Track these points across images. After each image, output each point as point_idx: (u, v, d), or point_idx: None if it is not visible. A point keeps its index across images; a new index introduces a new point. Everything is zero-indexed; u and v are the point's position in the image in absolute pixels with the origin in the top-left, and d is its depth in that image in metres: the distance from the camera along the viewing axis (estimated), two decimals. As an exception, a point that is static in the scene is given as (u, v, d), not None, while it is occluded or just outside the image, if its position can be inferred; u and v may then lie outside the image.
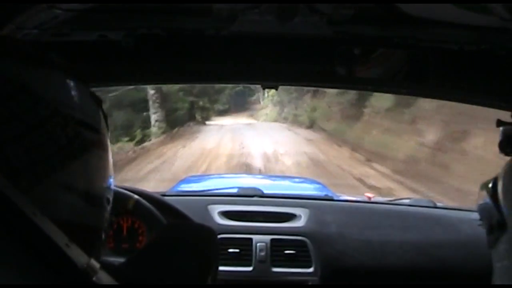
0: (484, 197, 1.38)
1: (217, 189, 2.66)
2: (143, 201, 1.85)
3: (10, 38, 0.69)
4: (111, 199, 0.72)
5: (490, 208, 1.35)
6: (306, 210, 2.14)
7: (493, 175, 1.36)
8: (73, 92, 0.66)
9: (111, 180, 0.72)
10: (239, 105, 33.61)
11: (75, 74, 0.69)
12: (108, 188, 0.70)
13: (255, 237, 2.01)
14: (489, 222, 1.38)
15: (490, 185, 1.37)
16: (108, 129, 0.72)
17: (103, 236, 0.71)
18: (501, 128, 1.43)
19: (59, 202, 0.60)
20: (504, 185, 1.31)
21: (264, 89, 1.70)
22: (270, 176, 6.19)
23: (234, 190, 2.48)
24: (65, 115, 0.62)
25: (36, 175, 0.58)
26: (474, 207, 1.53)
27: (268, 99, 30.83)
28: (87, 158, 0.64)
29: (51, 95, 0.62)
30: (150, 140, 16.76)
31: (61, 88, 0.65)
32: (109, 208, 0.71)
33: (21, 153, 0.57)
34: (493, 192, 1.35)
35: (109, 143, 0.71)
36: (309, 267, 1.97)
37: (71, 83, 0.66)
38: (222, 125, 23.94)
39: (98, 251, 0.69)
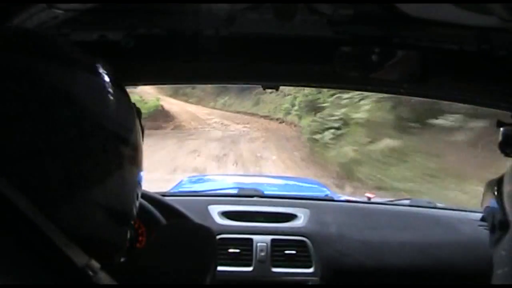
0: (490, 200, 1.37)
1: (217, 189, 2.67)
2: (143, 201, 1.85)
3: (54, 38, 0.65)
4: (136, 211, 0.71)
5: (495, 210, 1.35)
6: (306, 211, 2.14)
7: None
8: (116, 103, 0.64)
9: (141, 189, 0.71)
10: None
11: (119, 83, 0.67)
12: (136, 199, 0.70)
13: (255, 237, 2.01)
14: (492, 221, 1.38)
15: (496, 187, 1.36)
16: (143, 141, 0.71)
17: (125, 247, 0.71)
18: (501, 129, 1.43)
19: (88, 218, 0.60)
20: (509, 184, 1.31)
21: (264, 89, 1.70)
22: (270, 176, 6.19)
23: (234, 191, 2.48)
24: (106, 129, 0.61)
25: (70, 190, 0.57)
26: (474, 208, 1.53)
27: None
28: (120, 175, 0.63)
29: (95, 106, 0.60)
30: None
31: (105, 98, 0.63)
32: (134, 219, 0.71)
33: (58, 166, 0.56)
34: (498, 194, 1.35)
35: (142, 156, 0.70)
36: (309, 267, 1.97)
37: (115, 93, 0.65)
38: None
39: (117, 259, 0.69)
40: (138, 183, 0.70)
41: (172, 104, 21.12)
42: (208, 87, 22.46)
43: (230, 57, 1.43)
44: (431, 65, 1.30)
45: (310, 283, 1.96)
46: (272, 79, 1.58)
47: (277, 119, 17.18)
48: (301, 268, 1.97)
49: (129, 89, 0.76)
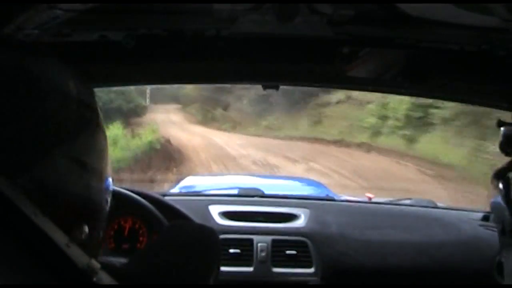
0: (496, 195, 1.36)
1: (217, 190, 2.67)
2: (144, 201, 1.85)
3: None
4: (110, 183, 0.73)
5: (503, 209, 1.34)
6: (307, 211, 2.14)
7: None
8: (71, 76, 0.68)
9: (109, 164, 0.73)
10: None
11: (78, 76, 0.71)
12: (107, 170, 0.71)
13: (255, 238, 2.01)
14: (501, 223, 1.37)
15: (501, 185, 1.35)
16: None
17: (104, 215, 0.71)
18: (501, 129, 1.43)
19: (66, 173, 0.62)
20: None
21: (264, 89, 1.70)
22: (271, 176, 6.19)
23: (235, 191, 2.49)
24: (65, 93, 0.64)
25: (44, 147, 0.59)
26: (475, 207, 1.53)
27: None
28: (90, 134, 0.67)
29: (51, 76, 0.64)
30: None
31: (59, 72, 0.67)
32: (108, 190, 0.72)
33: (27, 128, 0.58)
34: (506, 192, 1.34)
35: (106, 131, 0.73)
36: (310, 267, 1.97)
37: (69, 70, 0.69)
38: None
39: (101, 228, 0.70)
40: (107, 150, 0.72)
41: (192, 135, 16.78)
42: (247, 107, 19.47)
43: (230, 57, 1.43)
44: (431, 65, 1.30)
45: (310, 283, 1.96)
46: (272, 79, 1.58)
47: (358, 145, 12.17)
48: (301, 268, 1.97)
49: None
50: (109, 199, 0.72)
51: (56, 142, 0.61)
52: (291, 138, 15.00)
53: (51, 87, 0.63)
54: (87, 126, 0.67)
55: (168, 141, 14.52)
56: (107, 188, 0.71)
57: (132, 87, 13.60)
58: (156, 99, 23.32)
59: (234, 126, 19.27)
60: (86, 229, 0.62)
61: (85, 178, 0.65)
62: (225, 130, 18.77)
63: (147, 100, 23.64)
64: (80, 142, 0.64)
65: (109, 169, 0.72)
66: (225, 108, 20.13)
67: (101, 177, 0.69)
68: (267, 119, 17.49)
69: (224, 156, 13.21)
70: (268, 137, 15.96)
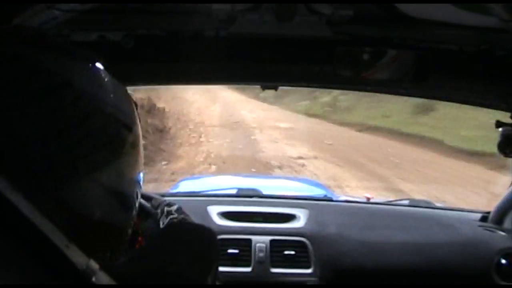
0: None
1: (216, 190, 2.66)
2: (143, 201, 1.85)
3: (51, 34, 0.68)
4: (138, 200, 0.72)
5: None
6: (306, 211, 2.14)
7: None
8: (114, 91, 0.66)
9: (141, 180, 0.72)
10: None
11: (114, 73, 0.70)
12: (138, 187, 0.71)
13: (254, 238, 2.01)
14: None
15: None
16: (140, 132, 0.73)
17: (127, 237, 0.71)
18: (500, 129, 1.43)
19: (93, 200, 0.61)
20: None
21: (263, 89, 1.70)
22: (269, 177, 6.19)
23: (234, 191, 2.48)
24: (105, 113, 0.62)
25: (74, 171, 0.58)
26: (473, 208, 1.53)
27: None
28: (124, 158, 0.65)
29: (94, 92, 0.62)
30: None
31: (103, 85, 0.65)
32: (135, 209, 0.72)
33: (62, 149, 0.57)
34: None
35: (141, 144, 0.71)
36: (308, 267, 1.97)
37: (113, 83, 0.67)
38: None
39: (121, 250, 0.70)
40: (138, 182, 0.71)
41: (213, 102, 12.94)
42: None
43: (230, 57, 1.43)
44: (431, 65, 1.30)
45: (309, 284, 1.96)
46: (272, 79, 1.58)
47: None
48: (300, 268, 1.97)
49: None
50: (138, 200, 0.72)
51: (87, 166, 0.59)
52: (371, 129, 8.81)
53: (93, 107, 0.61)
54: (121, 150, 0.64)
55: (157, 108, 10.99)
56: (135, 215, 0.71)
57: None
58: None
59: (280, 96, 13.93)
60: (108, 255, 0.61)
61: (113, 205, 0.64)
62: (264, 100, 14.64)
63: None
64: (111, 168, 0.63)
65: (139, 195, 0.71)
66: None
67: (129, 204, 0.69)
68: (330, 92, 10.91)
69: (248, 160, 7.71)
70: (330, 121, 10.03)
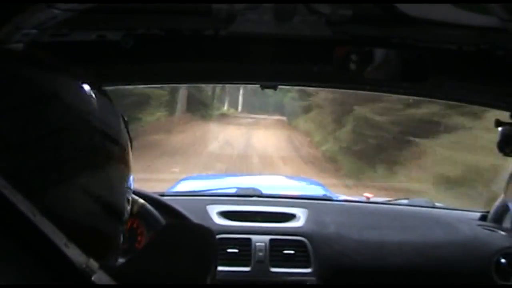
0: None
1: (216, 189, 2.66)
2: (142, 201, 1.85)
3: (38, 48, 0.71)
4: (127, 214, 0.73)
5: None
6: (305, 210, 2.14)
7: None
8: (100, 104, 0.67)
9: (131, 193, 0.73)
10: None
11: (104, 91, 0.71)
12: (127, 201, 0.72)
13: (253, 237, 2.01)
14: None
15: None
16: (132, 150, 0.74)
17: (118, 246, 0.72)
18: (499, 128, 1.43)
19: (77, 205, 0.61)
20: None
21: (263, 89, 1.70)
22: (269, 176, 6.19)
23: (233, 190, 2.48)
24: (91, 124, 0.64)
25: (58, 176, 0.59)
26: (473, 207, 1.53)
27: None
28: (107, 169, 0.66)
29: (81, 105, 0.64)
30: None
31: (88, 99, 0.66)
32: (125, 219, 0.72)
33: (44, 153, 0.58)
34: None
35: (131, 160, 0.73)
36: (308, 267, 1.97)
37: (99, 97, 0.68)
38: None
39: (111, 258, 0.70)
40: (128, 180, 0.72)
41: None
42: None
43: (229, 57, 1.43)
44: (430, 65, 1.30)
45: (308, 283, 1.96)
46: (271, 79, 1.58)
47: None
48: (299, 268, 1.97)
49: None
50: (127, 213, 0.73)
51: (70, 172, 0.60)
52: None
53: (77, 116, 0.62)
54: (106, 160, 0.66)
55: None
56: (123, 222, 0.71)
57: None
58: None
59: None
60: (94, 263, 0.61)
61: (98, 212, 0.65)
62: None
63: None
64: (95, 176, 0.64)
65: (127, 204, 0.72)
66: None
67: (116, 212, 0.69)
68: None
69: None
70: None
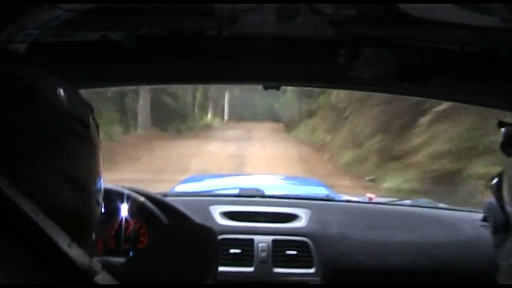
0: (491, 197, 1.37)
1: (218, 190, 2.67)
2: (145, 201, 1.85)
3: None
4: (100, 199, 0.73)
5: (495, 208, 1.35)
6: (308, 211, 2.14)
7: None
8: (66, 91, 0.68)
9: (101, 181, 0.73)
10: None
11: (69, 77, 0.72)
12: (98, 187, 0.72)
13: (256, 238, 2.01)
14: (494, 222, 1.37)
15: (494, 181, 1.36)
16: (98, 137, 0.75)
17: (92, 231, 0.71)
18: (502, 129, 1.43)
19: (49, 185, 0.62)
20: (509, 183, 1.31)
21: (265, 89, 1.70)
22: (271, 176, 6.18)
23: (236, 191, 2.48)
24: (57, 107, 0.65)
25: (29, 155, 0.60)
26: (475, 207, 1.53)
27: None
28: (77, 148, 0.67)
29: (46, 90, 0.65)
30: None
31: (55, 87, 0.67)
32: (99, 206, 0.72)
33: (13, 136, 0.59)
34: (496, 190, 1.35)
35: (100, 146, 0.74)
36: (311, 267, 1.97)
37: (64, 85, 0.69)
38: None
39: (89, 244, 0.69)
40: (98, 165, 0.73)
41: None
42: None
43: (231, 57, 1.43)
44: (431, 65, 1.30)
45: (311, 284, 1.96)
46: (273, 80, 1.58)
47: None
48: (302, 268, 1.97)
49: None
50: (100, 198, 0.73)
51: (40, 150, 0.61)
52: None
53: (41, 96, 0.64)
54: (76, 140, 0.67)
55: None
56: (96, 203, 0.72)
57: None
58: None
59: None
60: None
61: (70, 192, 0.65)
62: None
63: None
64: (66, 155, 0.65)
65: (100, 187, 0.73)
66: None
67: (89, 193, 0.69)
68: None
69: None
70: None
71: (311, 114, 15.29)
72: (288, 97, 16.23)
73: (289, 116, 17.63)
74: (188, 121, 17.15)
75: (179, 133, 14.59)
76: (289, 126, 17.21)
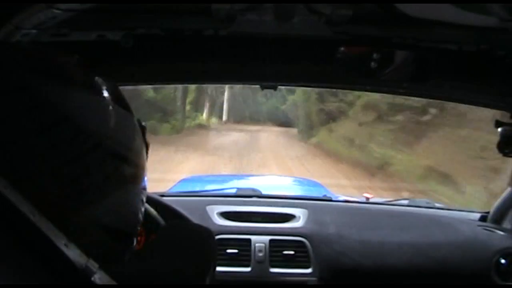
0: None
1: (215, 190, 2.66)
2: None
3: (54, 56, 0.67)
4: (137, 234, 0.72)
5: None
6: (305, 211, 2.14)
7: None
8: (116, 121, 0.65)
9: (142, 210, 0.72)
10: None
11: (121, 98, 0.68)
12: (138, 222, 0.70)
13: (253, 238, 2.00)
14: None
15: None
16: (147, 157, 0.72)
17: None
18: (499, 129, 1.43)
19: (86, 236, 0.60)
20: None
21: (263, 89, 1.70)
22: (269, 177, 6.18)
23: (233, 191, 2.48)
24: (105, 149, 0.61)
25: (67, 209, 0.57)
26: (473, 208, 1.53)
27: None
28: (120, 194, 0.64)
29: (94, 126, 0.61)
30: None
31: (104, 117, 0.63)
32: (135, 241, 0.72)
33: (55, 186, 0.56)
34: None
35: (145, 173, 0.71)
36: (308, 267, 1.97)
37: (115, 111, 0.65)
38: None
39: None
40: (141, 201, 0.71)
41: None
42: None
43: (229, 57, 1.43)
44: (430, 65, 1.30)
45: (308, 284, 1.96)
46: (271, 79, 1.58)
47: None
48: (299, 268, 1.97)
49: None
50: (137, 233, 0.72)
51: (83, 201, 0.59)
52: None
53: (91, 142, 0.60)
54: (118, 185, 0.63)
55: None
56: (133, 241, 0.71)
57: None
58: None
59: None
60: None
61: (110, 240, 0.64)
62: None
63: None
64: (104, 204, 0.61)
65: (137, 228, 0.71)
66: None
67: (130, 235, 0.69)
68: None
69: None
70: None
71: (335, 115, 12.24)
72: (299, 96, 13.88)
73: (303, 119, 14.85)
74: (173, 120, 14.81)
75: (155, 136, 11.98)
76: (304, 132, 14.41)
